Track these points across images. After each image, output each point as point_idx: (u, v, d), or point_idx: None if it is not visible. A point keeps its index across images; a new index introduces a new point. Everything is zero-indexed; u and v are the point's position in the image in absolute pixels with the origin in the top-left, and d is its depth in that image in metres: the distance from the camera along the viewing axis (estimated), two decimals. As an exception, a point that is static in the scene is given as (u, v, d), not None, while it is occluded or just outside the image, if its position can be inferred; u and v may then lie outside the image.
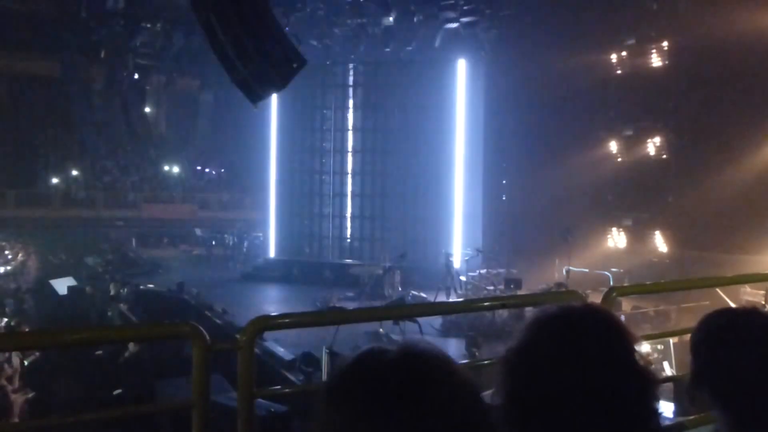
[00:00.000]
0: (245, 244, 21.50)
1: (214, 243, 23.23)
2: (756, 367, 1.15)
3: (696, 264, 10.59)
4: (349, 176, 17.97)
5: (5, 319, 11.19)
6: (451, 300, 11.87)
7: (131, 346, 8.60)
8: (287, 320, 2.27)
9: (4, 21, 18.14)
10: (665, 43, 12.12)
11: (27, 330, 9.12)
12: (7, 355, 7.64)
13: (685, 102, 11.83)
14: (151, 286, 15.83)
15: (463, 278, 13.60)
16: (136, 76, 17.23)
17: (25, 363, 8.19)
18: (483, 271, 13.44)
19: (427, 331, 10.36)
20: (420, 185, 16.58)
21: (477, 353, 9.38)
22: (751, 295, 8.77)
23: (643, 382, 0.99)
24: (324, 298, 13.03)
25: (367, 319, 6.70)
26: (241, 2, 11.04)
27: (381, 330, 9.94)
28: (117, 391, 7.72)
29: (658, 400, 1.00)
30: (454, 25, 15.94)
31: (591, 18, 12.92)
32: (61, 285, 14.64)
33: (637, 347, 1.01)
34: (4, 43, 20.11)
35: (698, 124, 11.50)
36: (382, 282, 14.19)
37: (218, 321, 11.93)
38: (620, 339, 1.01)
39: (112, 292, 14.57)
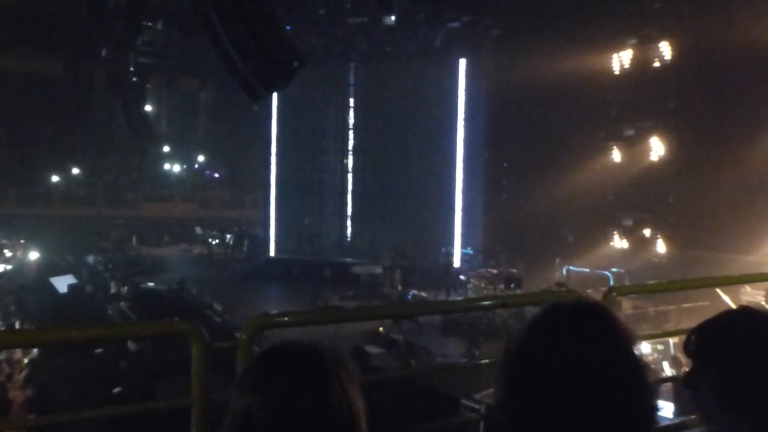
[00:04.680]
0: (245, 242, 21.51)
1: (214, 242, 23.24)
2: (756, 366, 1.14)
3: (696, 264, 10.58)
4: (350, 175, 17.97)
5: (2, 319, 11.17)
6: (451, 299, 11.85)
7: (132, 345, 8.60)
8: (287, 319, 2.24)
9: (6, 20, 18.16)
10: (667, 43, 12.10)
11: (27, 328, 9.13)
12: (6, 352, 7.64)
13: (686, 102, 11.84)
14: (151, 284, 15.86)
15: (463, 277, 13.59)
16: (137, 75, 17.22)
17: (25, 361, 8.20)
18: (483, 270, 13.43)
19: (428, 330, 10.37)
20: (420, 185, 16.57)
21: (477, 353, 9.38)
22: (752, 295, 8.76)
23: (640, 376, 0.98)
24: (324, 297, 13.03)
25: (367, 318, 6.71)
26: (242, 1, 11.05)
27: (381, 329, 9.93)
28: (117, 389, 7.73)
29: (655, 393, 1.00)
30: (455, 24, 15.92)
31: (592, 18, 12.91)
32: (62, 283, 14.66)
33: (634, 342, 1.01)
34: (6, 43, 20.14)
35: (699, 125, 11.51)
36: (382, 281, 14.19)
37: (218, 319, 11.95)
38: (615, 333, 1.00)
39: (113, 291, 14.59)
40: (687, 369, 1.24)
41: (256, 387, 1.02)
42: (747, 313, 1.25)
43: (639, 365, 0.99)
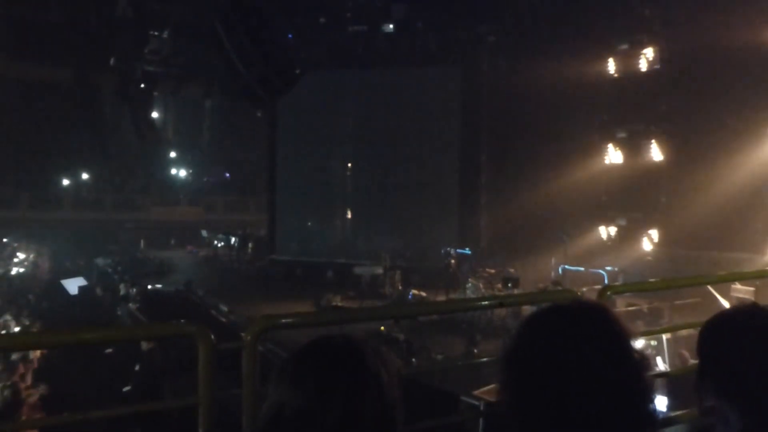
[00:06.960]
0: (250, 245, 21.77)
1: (219, 244, 23.53)
2: (759, 362, 1.18)
3: (688, 262, 10.75)
4: (350, 178, 18.24)
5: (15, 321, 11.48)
6: (450, 299, 12.06)
7: (142, 345, 8.86)
8: (291, 320, 2.25)
9: (17, 29, 18.56)
10: (657, 48, 12.29)
11: (38, 329, 9.44)
12: (20, 353, 7.88)
13: (677, 105, 12.02)
14: (159, 286, 16.18)
15: (461, 277, 13.78)
16: (144, 82, 17.58)
17: (37, 361, 8.44)
18: (481, 270, 13.61)
19: (427, 329, 10.59)
20: (419, 187, 16.81)
21: (475, 351, 9.60)
22: (741, 292, 8.82)
23: (642, 375, 1.00)
24: (327, 297, 13.26)
25: (369, 319, 6.85)
26: (245, 10, 11.35)
27: (382, 328, 10.14)
28: (126, 388, 8.00)
29: (653, 389, 1.01)
30: (452, 31, 16.19)
31: (585, 23, 13.13)
32: (73, 285, 14.99)
33: (633, 340, 1.03)
34: (17, 51, 20.54)
35: (690, 127, 11.68)
36: (383, 281, 14.42)
37: (224, 320, 12.25)
38: (616, 333, 1.01)
39: (122, 292, 14.90)
40: (683, 365, 1.36)
41: (291, 382, 1.00)
42: (749, 310, 1.26)
43: (640, 364, 1.00)
